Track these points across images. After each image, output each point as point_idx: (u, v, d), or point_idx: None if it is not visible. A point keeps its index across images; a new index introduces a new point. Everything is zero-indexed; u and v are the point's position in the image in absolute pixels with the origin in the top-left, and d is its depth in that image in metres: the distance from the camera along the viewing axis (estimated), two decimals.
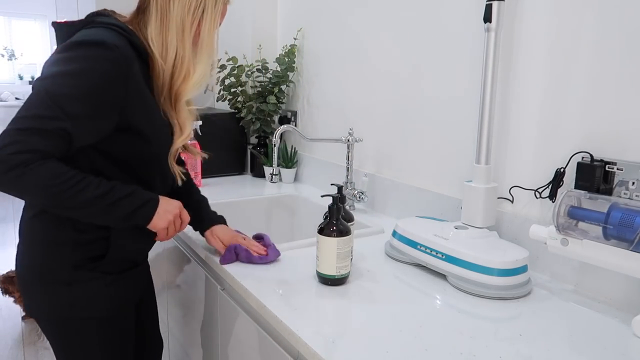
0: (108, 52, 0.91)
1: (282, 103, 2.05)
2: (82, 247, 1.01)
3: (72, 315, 1.04)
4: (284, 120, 2.07)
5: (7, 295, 2.54)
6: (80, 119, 0.89)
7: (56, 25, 1.01)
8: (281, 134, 1.49)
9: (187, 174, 1.20)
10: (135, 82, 0.96)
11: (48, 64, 0.93)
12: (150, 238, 1.10)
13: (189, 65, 1.02)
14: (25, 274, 1.05)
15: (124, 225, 1.00)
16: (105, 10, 1.04)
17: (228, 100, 2.08)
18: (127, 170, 1.02)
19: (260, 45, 2.07)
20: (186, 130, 1.08)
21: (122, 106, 0.94)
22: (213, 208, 1.27)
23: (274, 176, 1.97)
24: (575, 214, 0.95)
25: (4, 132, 0.85)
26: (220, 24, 1.07)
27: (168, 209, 1.04)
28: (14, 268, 2.89)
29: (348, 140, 1.59)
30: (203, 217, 1.23)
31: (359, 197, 1.58)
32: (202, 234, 1.22)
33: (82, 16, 1.02)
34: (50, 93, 0.87)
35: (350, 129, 1.60)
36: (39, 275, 1.02)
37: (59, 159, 0.90)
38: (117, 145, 0.99)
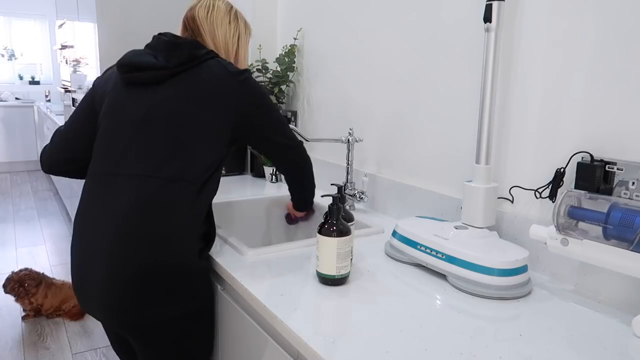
0: None
1: (282, 103, 2.05)
2: (201, 238, 1.08)
3: (192, 309, 1.05)
4: None
5: (17, 295, 2.53)
6: None
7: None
8: None
9: None
10: None
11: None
12: None
13: None
14: (150, 272, 0.99)
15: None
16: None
17: None
18: None
19: (260, 45, 2.07)
20: None
21: None
22: (214, 208, 1.31)
23: (274, 176, 1.97)
24: (575, 214, 0.95)
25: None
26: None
27: None
28: (14, 269, 2.89)
29: (348, 140, 1.59)
30: None
31: (359, 197, 1.58)
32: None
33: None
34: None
35: (350, 129, 1.60)
36: (168, 269, 0.99)
37: None
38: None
